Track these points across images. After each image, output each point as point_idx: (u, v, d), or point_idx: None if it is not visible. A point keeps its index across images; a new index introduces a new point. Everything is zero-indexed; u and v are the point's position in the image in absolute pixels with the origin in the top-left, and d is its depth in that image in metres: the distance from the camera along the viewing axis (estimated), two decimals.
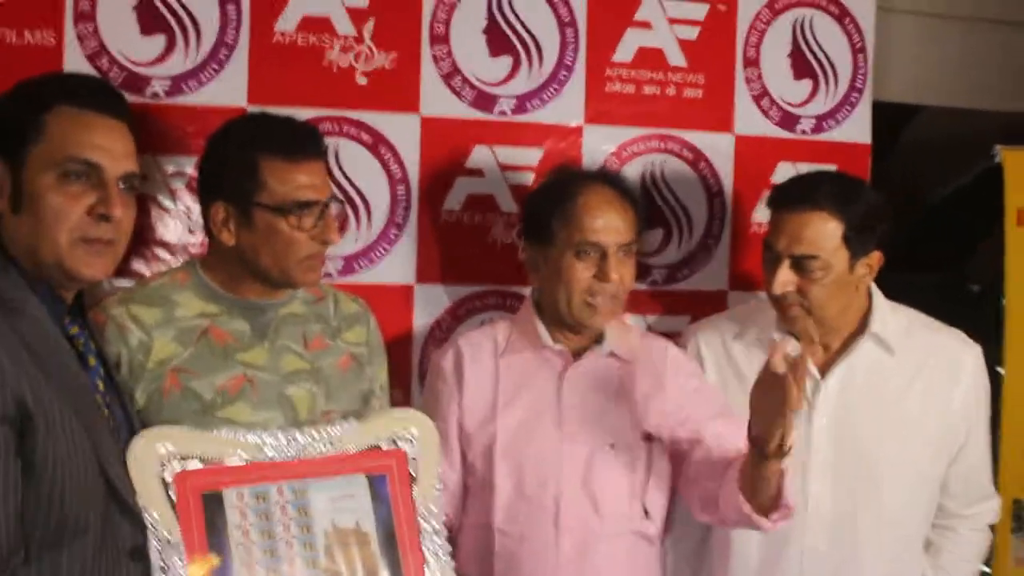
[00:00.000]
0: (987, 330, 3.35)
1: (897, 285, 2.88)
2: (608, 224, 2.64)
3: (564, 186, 2.72)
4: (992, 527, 2.95)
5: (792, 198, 2.67)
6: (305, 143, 2.51)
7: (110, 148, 2.06)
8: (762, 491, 2.40)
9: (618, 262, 2.64)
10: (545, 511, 2.64)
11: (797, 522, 2.65)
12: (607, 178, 2.77)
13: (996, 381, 3.33)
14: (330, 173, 2.96)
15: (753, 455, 2.37)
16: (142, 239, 2.92)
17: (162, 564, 2.14)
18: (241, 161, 2.45)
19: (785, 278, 2.63)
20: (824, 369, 2.75)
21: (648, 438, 2.65)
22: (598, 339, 2.72)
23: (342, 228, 3.00)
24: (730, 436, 2.58)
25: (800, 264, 2.62)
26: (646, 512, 2.67)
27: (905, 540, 2.77)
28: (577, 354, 2.73)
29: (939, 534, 2.84)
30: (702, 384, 2.80)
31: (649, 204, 3.27)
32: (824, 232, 2.61)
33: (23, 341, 1.94)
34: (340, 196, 2.98)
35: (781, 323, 2.77)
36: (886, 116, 3.72)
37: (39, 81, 2.09)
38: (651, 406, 2.68)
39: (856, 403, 2.73)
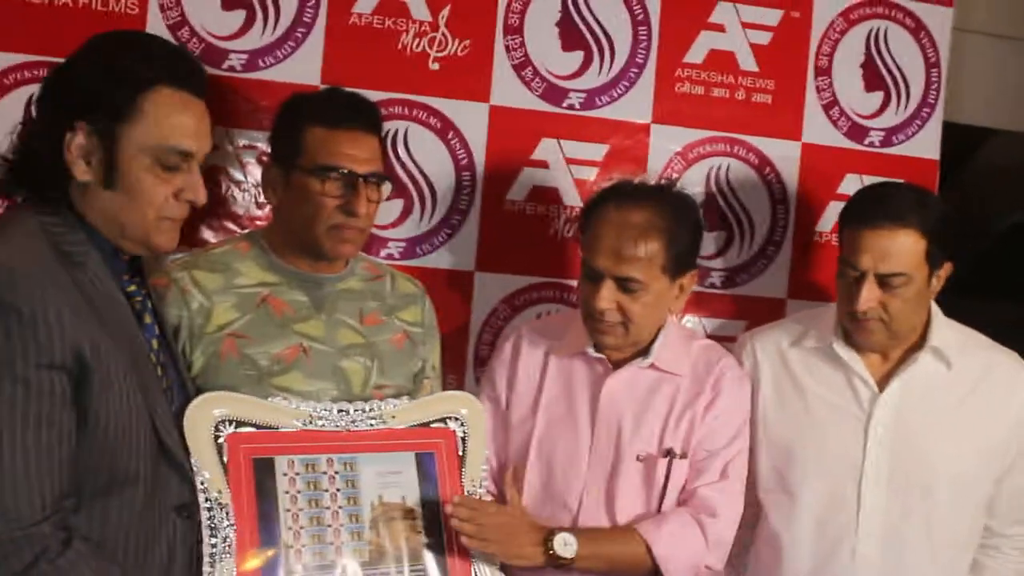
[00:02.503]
0: None
1: (969, 311, 2.87)
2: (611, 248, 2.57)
3: (601, 199, 2.65)
4: None
5: (874, 215, 2.62)
6: (351, 114, 2.53)
7: (200, 132, 2.10)
8: None
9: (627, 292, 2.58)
10: (567, 511, 2.65)
11: (849, 528, 2.68)
12: (637, 196, 2.64)
13: None
14: (396, 155, 3.01)
15: None
16: (211, 211, 2.96)
17: (211, 523, 2.17)
18: (290, 126, 2.52)
19: (870, 295, 2.60)
20: (882, 380, 2.73)
21: (673, 454, 2.64)
22: (642, 351, 2.70)
23: (405, 212, 3.05)
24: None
25: (884, 281, 2.60)
26: None
27: (952, 553, 2.74)
28: (618, 364, 2.71)
29: (983, 553, 2.81)
30: (736, 409, 2.75)
31: (712, 207, 3.29)
32: (910, 249, 2.59)
33: (84, 294, 1.97)
34: (394, 177, 3.02)
35: (840, 332, 2.76)
36: (955, 138, 3.68)
37: (135, 56, 2.05)
38: (683, 424, 2.66)
39: (912, 414, 2.71)
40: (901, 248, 2.59)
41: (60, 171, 2.01)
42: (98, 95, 2.00)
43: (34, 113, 2.10)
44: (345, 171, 2.47)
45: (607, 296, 2.54)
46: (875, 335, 2.68)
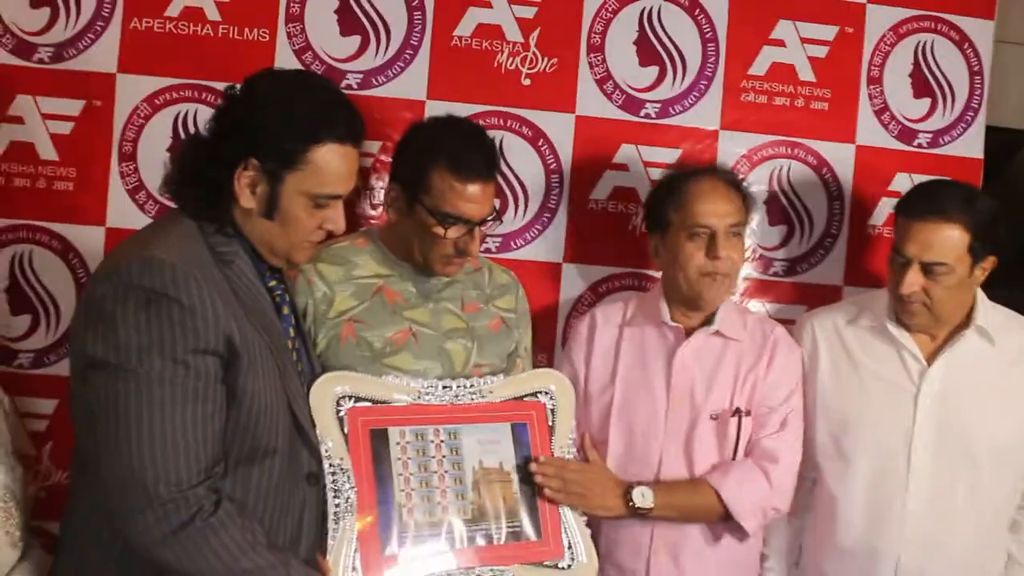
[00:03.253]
0: None
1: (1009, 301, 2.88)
2: (716, 209, 2.68)
3: (676, 180, 2.78)
4: None
5: (923, 209, 2.64)
6: (478, 165, 2.51)
7: (351, 177, 2.18)
8: None
9: (726, 242, 2.68)
10: (649, 467, 2.69)
11: (899, 491, 2.70)
12: (714, 170, 2.82)
13: None
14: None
15: None
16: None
17: (334, 486, 2.25)
18: (419, 158, 2.52)
19: (913, 280, 2.63)
20: (931, 357, 2.74)
21: (740, 412, 2.68)
22: (708, 320, 2.76)
23: (502, 211, 3.07)
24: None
25: (928, 269, 2.62)
26: None
27: (994, 514, 2.75)
28: (690, 332, 2.76)
29: (1021, 514, 2.81)
30: (790, 369, 2.81)
31: (775, 204, 3.30)
32: (952, 242, 2.61)
33: (232, 288, 2.06)
34: (500, 180, 3.07)
35: (893, 313, 2.77)
36: (999, 141, 3.65)
37: (312, 109, 2.10)
38: (747, 385, 2.72)
39: (958, 388, 2.71)
40: (945, 241, 2.61)
41: (226, 194, 2.09)
42: (274, 140, 2.06)
43: (207, 133, 2.14)
44: (466, 220, 2.50)
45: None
46: (918, 317, 2.70)
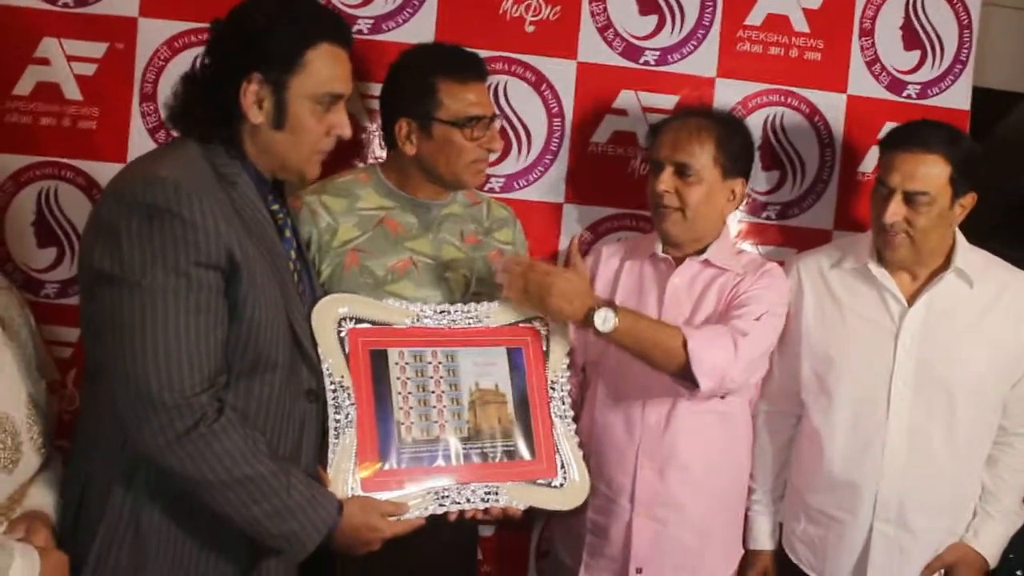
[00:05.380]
0: None
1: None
2: (666, 143, 2.69)
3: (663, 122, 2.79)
4: None
5: (908, 140, 2.62)
6: (473, 67, 2.58)
7: (348, 78, 2.17)
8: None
9: (669, 177, 2.66)
10: (638, 390, 2.68)
11: (880, 425, 2.66)
12: (694, 111, 2.81)
13: None
14: (498, 103, 3.02)
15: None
16: (341, 151, 3.00)
17: (335, 402, 2.23)
18: (421, 83, 2.52)
19: (896, 209, 2.59)
20: (911, 297, 2.70)
21: None
22: (700, 251, 2.73)
23: (504, 154, 3.07)
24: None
25: (911, 199, 2.58)
26: (722, 396, 2.65)
27: (969, 448, 2.71)
28: (680, 261, 2.74)
29: (998, 449, 2.77)
30: (777, 287, 2.75)
31: (767, 150, 3.25)
32: (934, 172, 2.58)
33: (235, 207, 2.03)
34: (504, 123, 3.05)
35: (875, 253, 2.73)
36: (987, 102, 3.58)
37: (301, 16, 2.10)
38: (730, 300, 2.68)
39: (937, 328, 2.67)
40: (928, 171, 2.58)
41: (234, 113, 2.08)
42: (271, 50, 2.06)
43: (206, 63, 2.13)
44: (482, 117, 2.52)
45: (666, 180, 2.65)
46: (900, 249, 2.65)
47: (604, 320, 2.42)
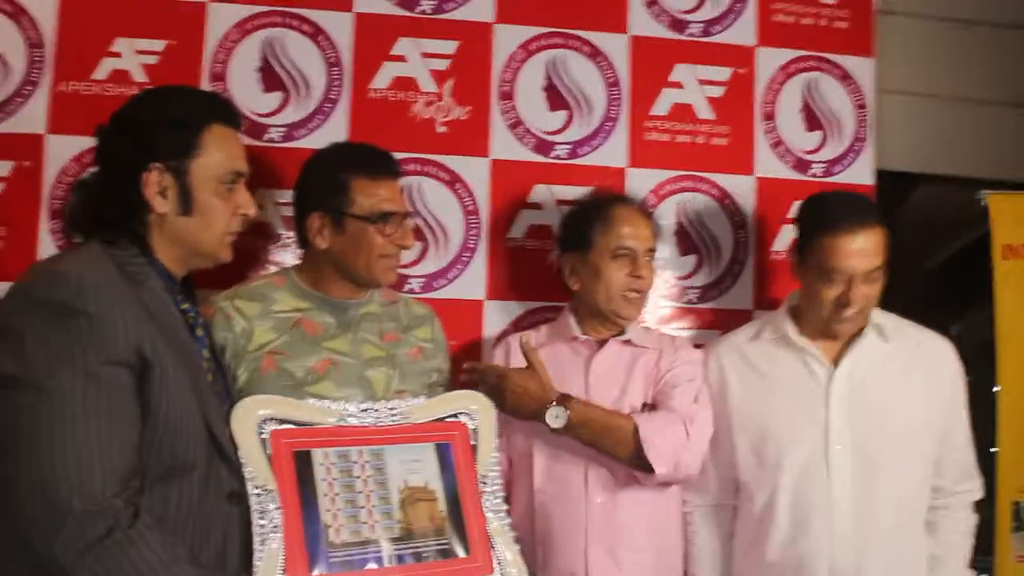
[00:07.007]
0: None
1: None
2: (638, 232, 2.67)
3: (602, 203, 2.76)
4: (986, 526, 2.90)
5: (852, 221, 2.55)
6: (386, 164, 2.55)
7: (244, 156, 2.15)
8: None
9: (646, 263, 2.67)
10: (578, 471, 2.62)
11: (823, 494, 2.59)
12: (632, 199, 2.84)
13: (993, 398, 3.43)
14: (413, 205, 2.99)
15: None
16: (256, 259, 2.99)
17: (260, 507, 2.10)
18: (333, 179, 2.48)
19: (864, 292, 2.56)
20: (833, 360, 2.67)
21: (648, 407, 2.63)
22: (619, 331, 2.72)
23: (423, 254, 3.08)
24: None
25: (869, 276, 2.56)
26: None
27: (911, 513, 2.65)
28: (600, 344, 2.72)
29: (935, 514, 2.70)
30: (690, 362, 2.75)
31: (683, 235, 3.26)
32: (882, 242, 2.57)
33: (144, 305, 1.94)
34: (421, 223, 3.05)
35: (790, 323, 2.71)
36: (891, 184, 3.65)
37: (191, 103, 2.11)
38: (657, 380, 2.67)
39: (864, 386, 2.64)
40: (878, 244, 2.56)
41: (137, 207, 2.02)
42: (166, 139, 2.02)
43: (99, 168, 2.08)
44: (395, 213, 2.48)
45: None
46: (856, 323, 2.64)
47: (556, 418, 2.50)
